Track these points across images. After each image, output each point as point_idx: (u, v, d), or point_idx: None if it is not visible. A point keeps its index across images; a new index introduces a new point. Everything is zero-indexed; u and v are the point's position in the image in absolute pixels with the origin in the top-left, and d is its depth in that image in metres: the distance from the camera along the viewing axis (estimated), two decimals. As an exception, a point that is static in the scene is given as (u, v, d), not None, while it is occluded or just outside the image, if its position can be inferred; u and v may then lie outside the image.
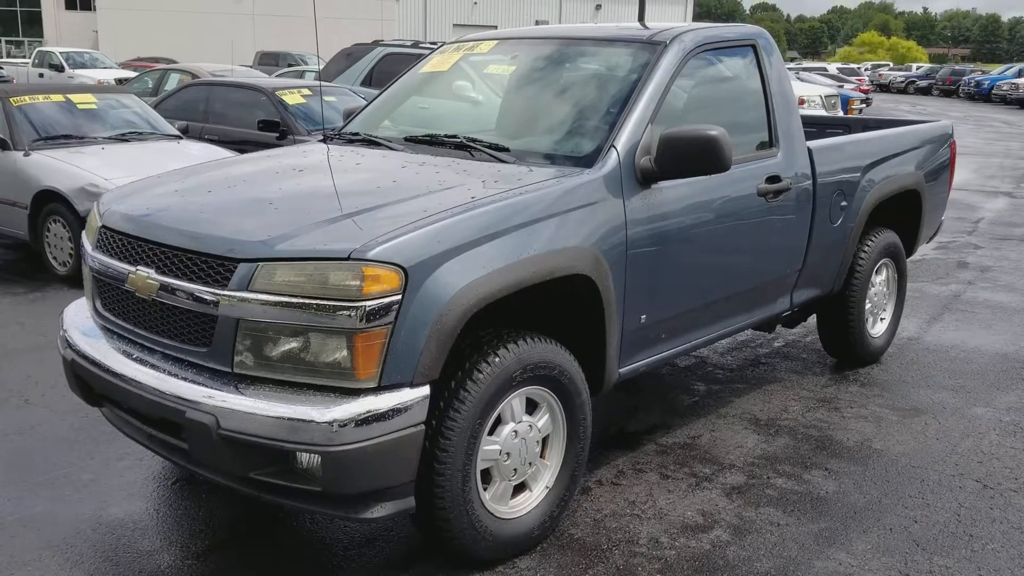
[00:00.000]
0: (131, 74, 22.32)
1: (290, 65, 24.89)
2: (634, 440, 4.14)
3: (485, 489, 3.03)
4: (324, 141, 4.19)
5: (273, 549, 3.21)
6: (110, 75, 23.62)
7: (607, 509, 3.48)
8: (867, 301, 5.01)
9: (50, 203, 6.87)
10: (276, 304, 2.65)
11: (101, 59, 27.64)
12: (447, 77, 4.35)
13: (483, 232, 2.88)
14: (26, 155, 7.06)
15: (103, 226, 3.26)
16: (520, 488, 3.17)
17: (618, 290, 3.33)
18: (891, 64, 64.51)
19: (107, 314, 3.21)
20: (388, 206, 2.95)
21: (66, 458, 3.85)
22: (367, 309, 2.60)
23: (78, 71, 25.12)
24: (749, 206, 3.93)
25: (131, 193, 3.45)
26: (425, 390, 2.73)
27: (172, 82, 14.15)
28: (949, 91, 42.88)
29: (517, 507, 3.14)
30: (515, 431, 3.06)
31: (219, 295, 2.73)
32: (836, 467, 3.88)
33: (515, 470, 3.09)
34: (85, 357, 3.15)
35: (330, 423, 2.59)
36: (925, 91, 45.30)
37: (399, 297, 2.65)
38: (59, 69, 25.64)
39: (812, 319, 5.11)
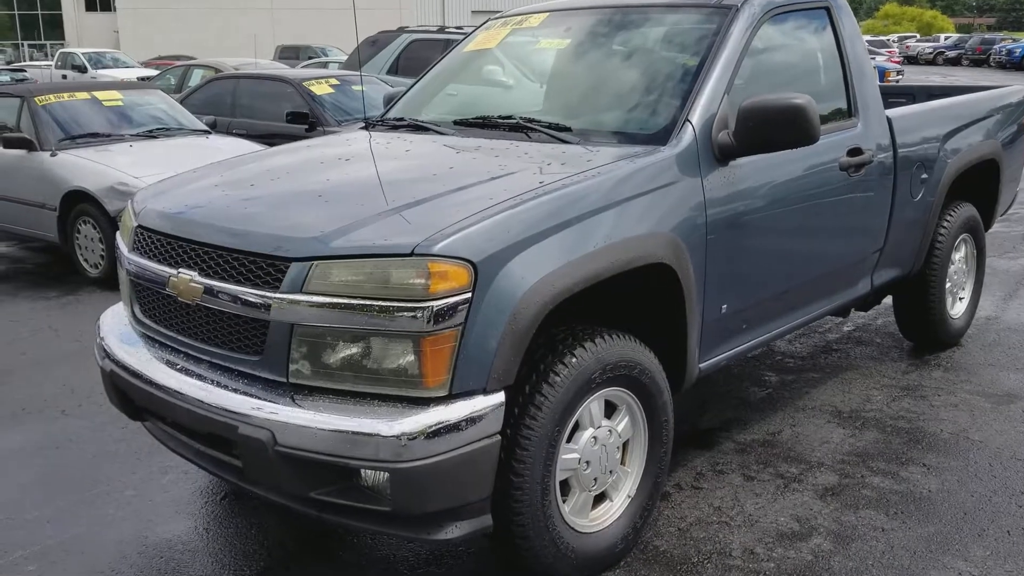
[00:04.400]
0: (153, 72, 22.20)
1: (311, 57, 24.66)
2: (709, 438, 3.85)
3: (564, 502, 2.76)
4: (366, 128, 3.91)
5: (333, 570, 2.96)
6: (132, 74, 23.52)
7: (691, 516, 3.20)
8: (947, 280, 4.68)
9: (79, 204, 6.66)
10: (334, 306, 2.39)
11: (123, 59, 27.59)
12: (495, 55, 4.05)
13: (555, 220, 2.59)
14: (53, 155, 6.86)
15: (139, 226, 3.01)
16: (600, 499, 2.90)
17: (698, 278, 3.03)
18: (918, 36, 63.27)
19: (147, 320, 2.96)
20: (448, 195, 2.68)
21: (106, 473, 3.62)
22: (435, 309, 2.33)
23: (101, 71, 25.08)
24: (831, 181, 3.62)
25: (168, 189, 3.19)
26: (500, 397, 2.45)
27: (195, 78, 13.97)
28: (979, 60, 41.91)
29: (598, 519, 2.87)
30: (594, 437, 2.78)
31: (271, 298, 2.47)
32: (935, 462, 3.57)
33: (595, 479, 2.82)
34: (125, 368, 2.90)
35: (398, 436, 2.32)
36: (954, 62, 44.26)
37: (469, 295, 2.38)
38: (82, 70, 25.62)
39: (884, 301, 4.78)
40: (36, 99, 7.21)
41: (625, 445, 2.94)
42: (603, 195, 2.74)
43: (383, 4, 43.01)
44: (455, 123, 3.58)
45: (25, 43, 54.49)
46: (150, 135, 7.39)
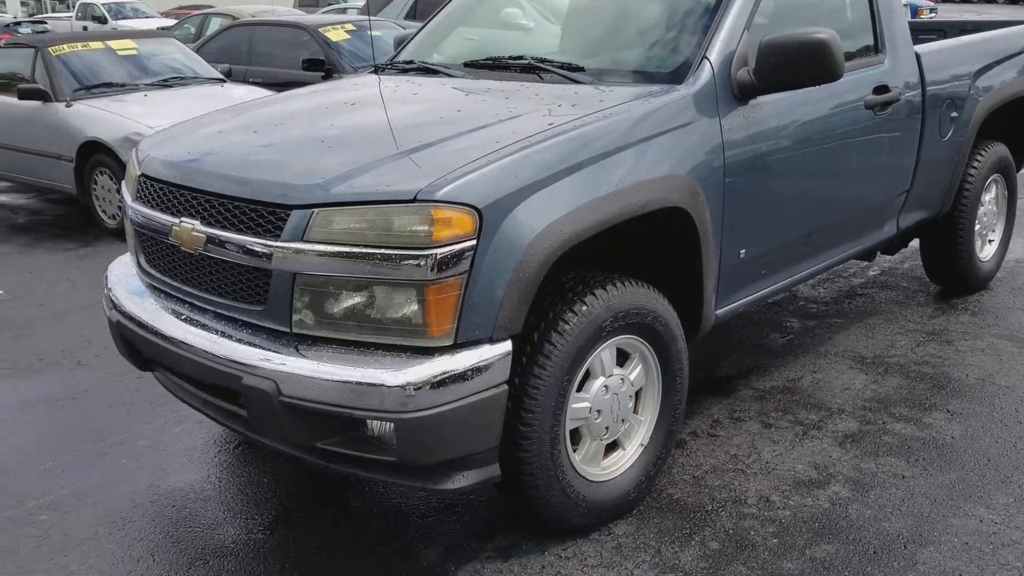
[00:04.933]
0: (172, 22, 22.03)
1: (330, 4, 24.35)
2: (727, 385, 3.79)
3: (575, 450, 2.71)
4: (375, 72, 3.82)
5: (345, 518, 2.95)
6: (152, 24, 23.32)
7: (707, 464, 3.15)
8: (976, 222, 4.54)
9: (95, 154, 6.63)
10: (336, 255, 2.33)
11: (143, 9, 27.35)
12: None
13: (564, 163, 2.50)
14: (68, 106, 6.82)
15: (142, 175, 2.96)
16: (612, 447, 2.85)
17: (715, 222, 2.94)
18: (953, -29, 61.32)
19: (152, 271, 2.92)
20: (454, 138, 2.59)
21: (121, 424, 3.63)
22: (438, 257, 2.26)
23: (121, 22, 24.88)
24: (856, 120, 3.49)
25: (172, 137, 3.13)
26: (507, 346, 2.39)
27: (214, 27, 13.84)
28: (1016, -2, 40.62)
29: (610, 468, 2.82)
30: (606, 386, 2.72)
31: (272, 247, 2.41)
32: (959, 408, 3.49)
33: (607, 428, 2.77)
34: (131, 319, 2.87)
35: (403, 387, 2.27)
36: (991, -2, 42.95)
37: (474, 242, 2.31)
38: (102, 21, 25.44)
39: (911, 243, 4.66)
40: (50, 49, 7.15)
41: (638, 393, 2.88)
42: (615, 137, 2.65)
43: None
44: (466, 65, 3.47)
45: (47, -6, 54.31)
46: (165, 84, 7.32)
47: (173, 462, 3.31)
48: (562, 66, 3.17)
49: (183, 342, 2.63)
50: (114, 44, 7.50)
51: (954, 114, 4.11)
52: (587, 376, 2.69)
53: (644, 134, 2.72)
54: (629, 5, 3.49)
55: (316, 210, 2.37)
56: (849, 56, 3.54)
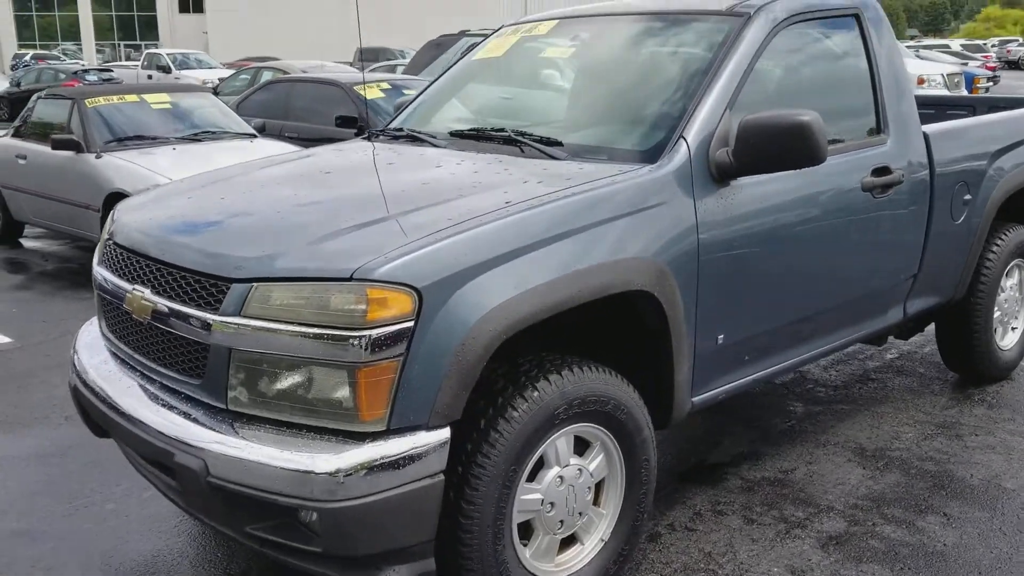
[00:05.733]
0: (231, 74, 22.66)
1: (388, 59, 24.85)
2: (716, 474, 3.61)
3: (525, 544, 2.58)
4: (368, 138, 3.80)
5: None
6: (214, 75, 24.02)
7: (677, 562, 2.98)
8: (996, 309, 4.33)
9: (120, 206, 6.72)
10: (271, 332, 2.26)
11: (206, 60, 28.28)
12: (503, 63, 3.89)
13: (518, 243, 2.42)
14: (98, 157, 6.95)
15: (108, 238, 2.95)
16: (570, 541, 2.71)
17: (688, 307, 2.82)
18: (1021, 39, 60.59)
19: (110, 335, 2.89)
20: (408, 214, 2.52)
21: (92, 485, 3.58)
22: (372, 338, 2.18)
23: (184, 72, 25.71)
24: (852, 203, 3.35)
25: (144, 203, 3.12)
26: (444, 433, 2.29)
27: (265, 80, 14.12)
28: (1086, 66, 39.91)
29: (565, 564, 2.68)
30: (560, 476, 2.59)
31: (210, 320, 2.36)
32: (957, 512, 3.27)
33: (561, 522, 2.63)
34: (86, 384, 2.84)
35: (329, 473, 2.18)
36: (1059, 67, 42.29)
37: (411, 324, 2.22)
38: (166, 71, 26.32)
39: (931, 327, 4.45)
40: (86, 101, 7.33)
41: (600, 485, 2.74)
42: (574, 217, 2.55)
43: (467, 7, 43.30)
44: (451, 135, 3.43)
45: (122, 43, 56.58)
46: (195, 138, 7.43)
47: (134, 530, 3.24)
48: (541, 140, 3.10)
49: (125, 412, 2.58)
50: (149, 97, 7.67)
51: (967, 196, 3.94)
52: (541, 465, 2.57)
53: (608, 214, 2.62)
54: (615, 79, 3.42)
55: (255, 284, 2.32)
56: (848, 136, 3.44)
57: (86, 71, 24.14)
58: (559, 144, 3.07)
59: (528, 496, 2.53)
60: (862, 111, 3.55)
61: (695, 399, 3.01)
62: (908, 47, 18.98)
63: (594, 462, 2.69)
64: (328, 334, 2.20)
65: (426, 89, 4.07)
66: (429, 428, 2.26)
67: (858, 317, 3.63)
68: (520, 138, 3.14)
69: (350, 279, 2.22)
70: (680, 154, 2.85)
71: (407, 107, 4.02)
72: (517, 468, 2.44)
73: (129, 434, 2.56)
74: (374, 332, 2.18)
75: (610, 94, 3.39)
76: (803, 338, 3.40)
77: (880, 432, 3.96)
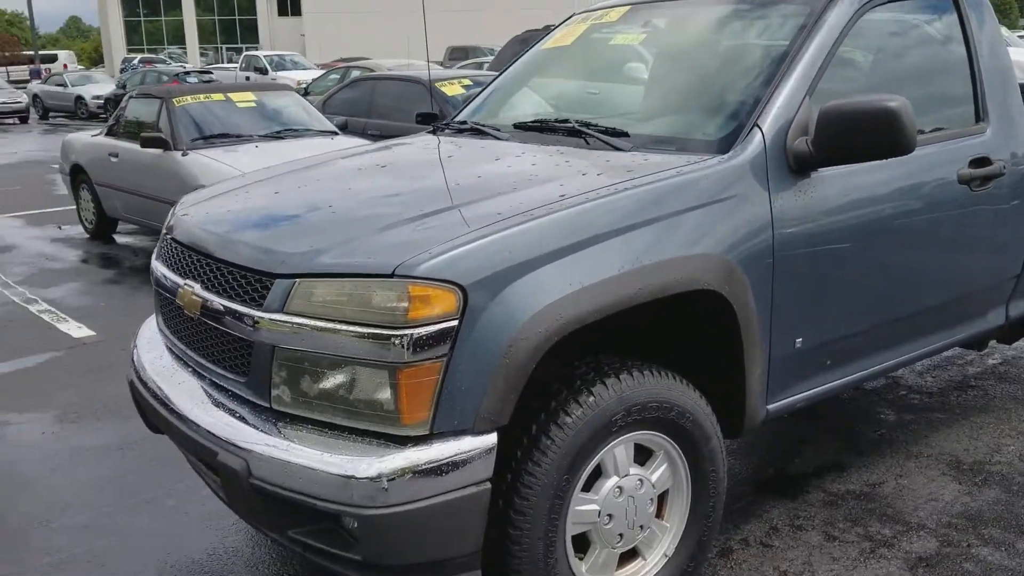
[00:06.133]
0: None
1: (477, 57, 24.90)
2: (797, 485, 3.39)
3: (580, 558, 2.43)
4: (433, 132, 3.70)
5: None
6: (308, 76, 24.45)
7: (749, 580, 2.79)
8: (1112, 313, 3.96)
9: (204, 203, 6.83)
10: (313, 329, 2.17)
11: (301, 62, 28.87)
12: (570, 52, 3.74)
13: (572, 239, 2.27)
14: (184, 155, 7.08)
15: (166, 233, 2.93)
16: (631, 555, 2.55)
17: (762, 308, 2.62)
18: None
19: (166, 331, 2.86)
20: (457, 209, 2.41)
21: (157, 480, 3.59)
22: (414, 338, 2.07)
23: (280, 73, 26.29)
24: (946, 197, 3.09)
25: (203, 198, 3.09)
26: (491, 439, 2.16)
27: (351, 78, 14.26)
28: None
29: (625, 580, 2.53)
30: (619, 487, 2.43)
31: (253, 316, 2.29)
32: (1064, 535, 2.98)
33: (620, 535, 2.47)
34: (141, 379, 2.81)
35: (370, 479, 2.07)
36: None
37: (456, 323, 2.10)
38: (263, 72, 26.96)
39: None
40: (174, 100, 7.48)
41: (663, 496, 2.58)
42: (635, 211, 2.39)
43: (561, 2, 43.13)
44: (515, 127, 3.30)
45: (224, 46, 58.37)
46: (277, 136, 7.50)
47: (192, 527, 3.23)
48: (605, 131, 2.94)
49: (174, 408, 2.54)
50: (235, 96, 7.78)
51: (1080, 190, 3.60)
52: (598, 474, 2.42)
53: (672, 208, 2.45)
54: (687, 66, 3.23)
55: (298, 280, 2.23)
56: (943, 125, 3.18)
57: (187, 73, 24.92)
58: (625, 135, 2.91)
59: (583, 507, 2.38)
60: (959, 99, 3.28)
61: (770, 407, 2.81)
62: (1021, 36, 17.98)
63: (657, 472, 2.52)
64: (369, 332, 2.10)
65: (494, 81, 3.95)
66: (475, 433, 2.14)
67: (953, 320, 3.36)
68: (584, 129, 2.99)
69: (392, 275, 2.11)
70: (754, 144, 2.66)
71: (474, 100, 3.91)
72: (570, 477, 2.30)
73: (177, 431, 2.52)
74: (416, 331, 2.07)
75: (680, 82, 3.21)
76: (891, 342, 3.15)
77: (979, 444, 3.67)
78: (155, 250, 3.01)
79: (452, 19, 42.54)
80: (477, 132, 3.40)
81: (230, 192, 3.06)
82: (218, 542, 3.12)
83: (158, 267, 2.87)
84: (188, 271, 2.64)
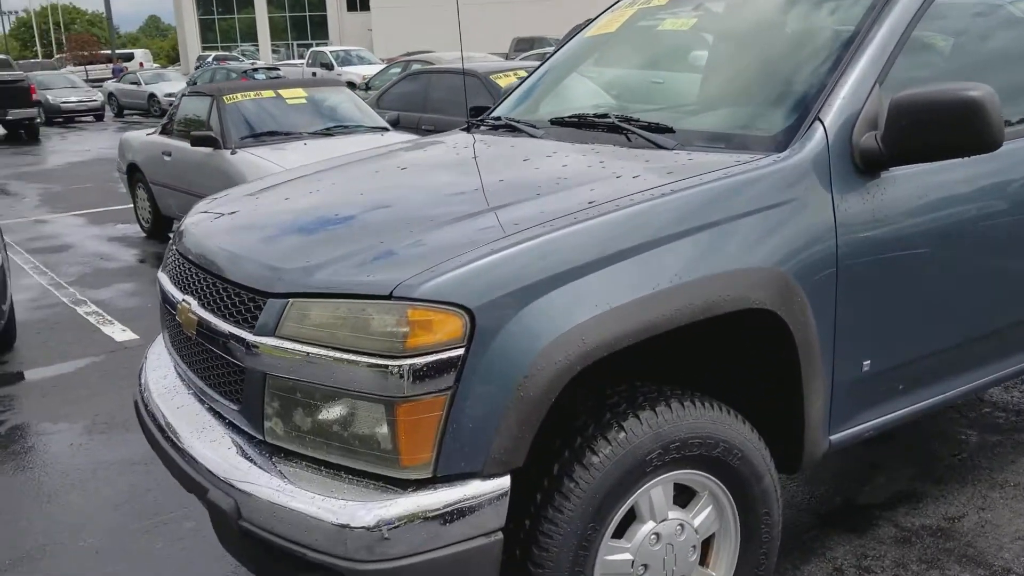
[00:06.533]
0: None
1: (541, 48, 24.58)
2: (865, 518, 3.05)
3: (613, 613, 2.15)
4: (468, 129, 3.44)
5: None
6: (373, 71, 24.48)
7: (808, 633, 2.48)
8: None
9: (251, 202, 6.70)
10: (307, 356, 1.93)
11: (367, 56, 28.94)
12: (615, 39, 3.43)
13: (598, 253, 1.99)
14: (233, 153, 6.96)
15: (171, 243, 2.73)
16: (670, 607, 2.26)
17: (823, 328, 2.30)
18: None
19: (171, 349, 2.66)
20: (472, 218, 2.14)
21: (176, 499, 3.39)
22: (413, 368, 1.81)
23: (346, 68, 26.40)
24: (1039, 197, 2.71)
25: (213, 207, 2.88)
26: (503, 483, 1.90)
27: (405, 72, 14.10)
28: None
29: (664, 635, 2.24)
30: (656, 534, 2.15)
31: (244, 340, 2.06)
32: None
33: (658, 586, 2.19)
34: (143, 398, 2.62)
35: (366, 528, 1.83)
36: None
37: (462, 351, 1.84)
38: (329, 67, 27.08)
39: None
40: (224, 98, 7.36)
41: (708, 541, 2.28)
42: (673, 220, 2.10)
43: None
44: (552, 122, 3.02)
45: (295, 43, 59.11)
46: (327, 133, 7.33)
47: (207, 553, 3.04)
48: (648, 127, 2.64)
49: (168, 435, 2.33)
50: (285, 93, 7.63)
51: None
52: (632, 518, 2.14)
53: (717, 216, 2.15)
54: (741, 53, 2.91)
55: (292, 300, 2.00)
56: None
57: (255, 70, 25.15)
58: (670, 131, 2.60)
59: (614, 556, 2.10)
60: (1056, 85, 2.89)
61: (833, 438, 2.48)
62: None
63: (700, 516, 2.23)
64: (364, 362, 1.85)
65: (534, 72, 3.67)
66: (485, 477, 1.88)
67: (1048, 336, 2.97)
68: (625, 125, 2.69)
69: (389, 297, 1.86)
70: (815, 140, 2.33)
71: (511, 93, 3.64)
72: (597, 524, 2.02)
73: (169, 459, 2.31)
74: (416, 361, 1.82)
75: (733, 71, 2.89)
76: (974, 362, 2.79)
77: (1075, 473, 3.27)
78: (163, 261, 2.82)
79: (521, 9, 42.25)
80: (511, 129, 3.13)
81: (241, 198, 2.85)
82: (230, 569, 2.92)
83: (162, 279, 2.67)
84: (187, 286, 2.43)
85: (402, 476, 1.87)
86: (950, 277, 2.56)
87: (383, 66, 25.91)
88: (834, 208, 2.31)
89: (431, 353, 1.82)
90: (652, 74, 3.46)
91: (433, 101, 9.27)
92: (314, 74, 27.31)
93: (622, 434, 2.03)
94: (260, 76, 23.43)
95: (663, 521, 2.16)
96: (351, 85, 22.65)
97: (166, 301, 2.61)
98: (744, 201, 2.20)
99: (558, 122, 2.98)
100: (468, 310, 1.85)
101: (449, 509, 1.85)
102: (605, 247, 2.00)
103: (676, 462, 2.12)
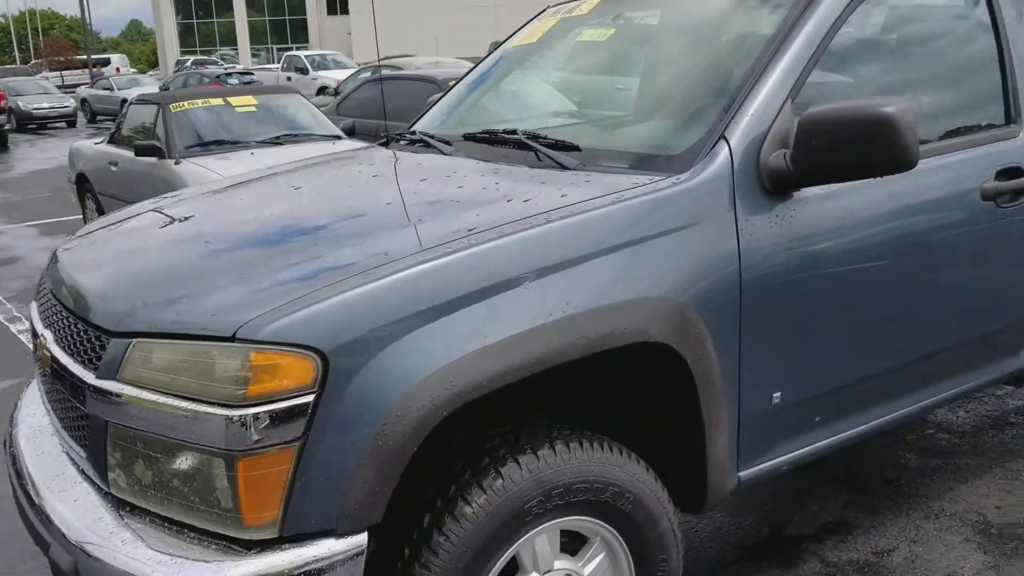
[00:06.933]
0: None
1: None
2: (793, 551, 2.91)
3: (494, 673, 1.99)
4: (386, 144, 3.29)
5: None
6: (347, 75, 24.30)
7: None
8: None
9: (195, 213, 6.51)
10: (146, 403, 1.77)
11: (343, 61, 28.65)
12: (536, 50, 3.29)
13: (473, 285, 1.83)
14: (177, 163, 6.76)
15: (44, 273, 2.55)
16: (562, 663, 2.11)
17: (726, 359, 2.16)
18: None
19: (41, 385, 2.49)
20: (341, 248, 1.97)
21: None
22: (256, 418, 1.65)
23: (321, 72, 26.09)
24: (966, 216, 2.58)
25: (87, 231, 2.71)
26: (359, 541, 1.74)
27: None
28: None
29: None
30: (541, 586, 2.00)
31: (86, 383, 1.90)
32: (1112, 629, 2.46)
33: (543, 643, 2.03)
34: (11, 436, 2.44)
35: (194, 597, 1.67)
36: None
37: (311, 398, 1.68)
38: (304, 72, 26.80)
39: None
40: (171, 106, 7.17)
41: (603, 590, 2.13)
42: (556, 249, 1.94)
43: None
44: (465, 137, 2.86)
45: (275, 47, 58.76)
46: (276, 142, 7.15)
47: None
48: (555, 144, 2.49)
49: (22, 481, 2.16)
50: (234, 101, 7.45)
51: None
52: (514, 569, 1.98)
53: (606, 244, 1.99)
54: (654, 66, 2.77)
55: (134, 341, 1.83)
56: (962, 130, 2.67)
57: (228, 75, 24.91)
58: (576, 149, 2.45)
59: (493, 613, 1.94)
60: (985, 99, 2.76)
61: (743, 474, 2.34)
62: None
63: (591, 564, 2.08)
64: (204, 411, 1.69)
65: (458, 83, 3.52)
66: (339, 535, 1.72)
67: (979, 360, 2.83)
68: (531, 142, 2.54)
69: (233, 339, 1.70)
70: (719, 160, 2.19)
71: (431, 106, 3.48)
72: (472, 580, 1.87)
73: (21, 508, 2.14)
74: (259, 410, 1.66)
75: (645, 86, 2.75)
76: (900, 390, 2.65)
77: (1013, 500, 3.14)
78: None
79: (505, 13, 42.09)
80: (424, 144, 2.98)
81: (120, 223, 2.68)
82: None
83: (32, 310, 2.50)
84: (48, 318, 2.26)
85: (245, 536, 1.71)
86: (868, 304, 2.42)
87: (352, 70, 25.76)
88: (738, 233, 2.16)
89: (277, 401, 1.67)
90: (577, 85, 3.33)
91: (392, 108, 9.09)
92: (288, 79, 27.04)
93: (499, 481, 1.88)
94: (233, 81, 23.20)
95: (547, 572, 2.01)
96: (324, 89, 22.54)
97: (34, 334, 2.44)
98: (637, 227, 2.05)
99: (471, 138, 2.83)
100: (320, 352, 1.69)
101: (298, 572, 1.69)
102: (480, 279, 1.84)
103: (561, 508, 1.96)
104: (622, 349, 1.99)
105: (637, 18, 3.01)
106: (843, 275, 2.33)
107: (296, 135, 7.32)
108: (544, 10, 3.52)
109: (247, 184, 2.86)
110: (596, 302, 1.94)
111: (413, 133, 3.16)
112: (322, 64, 27.65)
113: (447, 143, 2.89)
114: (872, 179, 2.25)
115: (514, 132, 2.67)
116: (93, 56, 49.59)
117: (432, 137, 2.99)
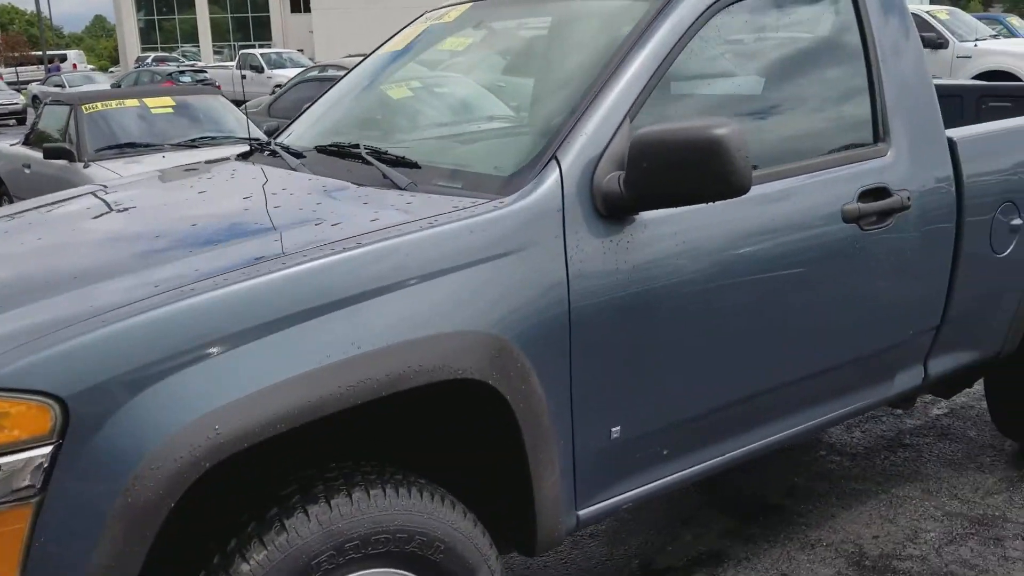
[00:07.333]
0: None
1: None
2: (659, 584, 2.79)
3: None
4: (247, 155, 3.12)
5: None
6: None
7: None
8: (1065, 363, 3.32)
9: (102, 219, 6.30)
10: None
11: (300, 59, 28.33)
12: (401, 56, 3.14)
13: (247, 323, 1.68)
14: (86, 167, 6.55)
15: None
16: None
17: (555, 393, 2.03)
18: None
19: None
20: (106, 279, 1.82)
21: None
22: (-16, 474, 1.49)
23: (277, 71, 25.75)
24: (824, 240, 2.46)
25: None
26: (107, 608, 1.58)
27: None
28: None
29: None
30: (330, 647, 1.85)
31: None
32: (969, 672, 2.36)
33: None
34: None
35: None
36: None
37: (49, 450, 1.52)
38: (259, 70, 26.45)
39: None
40: (83, 107, 6.95)
41: (422, 644, 1.98)
42: (354, 279, 1.80)
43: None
44: (317, 149, 2.71)
45: (237, 44, 58.09)
46: (191, 145, 6.94)
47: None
48: (395, 161, 2.35)
49: None
50: (150, 102, 7.23)
51: (1018, 220, 2.97)
52: (311, 626, 1.84)
53: (413, 273, 1.85)
54: (501, 80, 2.64)
55: None
56: (823, 148, 2.56)
57: (181, 72, 24.53)
58: (416, 166, 2.31)
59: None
60: (850, 114, 2.65)
61: (582, 512, 2.21)
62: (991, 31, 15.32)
63: (398, 619, 1.93)
64: (-72, 465, 1.52)
65: (327, 92, 3.36)
66: (84, 604, 1.56)
67: (848, 386, 2.73)
68: (371, 158, 2.39)
69: (-40, 384, 1.53)
70: (548, 182, 2.05)
71: (300, 115, 3.33)
72: (250, 648, 1.71)
73: None
74: (-13, 464, 1.50)
75: (492, 99, 2.61)
76: (760, 419, 2.53)
77: (894, 528, 3.04)
78: None
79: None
80: (275, 156, 2.82)
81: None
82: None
83: None
84: None
85: (-26, 607, 1.55)
86: (715, 332, 2.29)
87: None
88: (567, 259, 2.03)
89: (8, 453, 1.51)
90: (438, 96, 3.19)
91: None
92: (244, 77, 26.67)
93: (284, 535, 1.73)
94: (186, 79, 22.86)
95: (349, 630, 1.86)
96: (279, 87, 22.23)
97: None
98: (447, 256, 1.91)
99: (322, 150, 2.67)
100: (59, 399, 1.53)
101: (33, 643, 1.53)
102: (257, 316, 1.69)
103: (359, 561, 1.81)
104: (432, 386, 1.85)
105: (500, 28, 2.87)
106: (686, 303, 2.21)
107: (214, 137, 7.11)
108: (422, 15, 3.38)
109: (67, 201, 2.68)
110: (397, 337, 1.80)
111: (268, 143, 3.00)
112: (278, 62, 27.30)
113: (300, 155, 2.72)
114: (718, 202, 2.13)
115: (357, 147, 2.52)
116: (50, 52, 48.75)
117: (286, 149, 2.83)
